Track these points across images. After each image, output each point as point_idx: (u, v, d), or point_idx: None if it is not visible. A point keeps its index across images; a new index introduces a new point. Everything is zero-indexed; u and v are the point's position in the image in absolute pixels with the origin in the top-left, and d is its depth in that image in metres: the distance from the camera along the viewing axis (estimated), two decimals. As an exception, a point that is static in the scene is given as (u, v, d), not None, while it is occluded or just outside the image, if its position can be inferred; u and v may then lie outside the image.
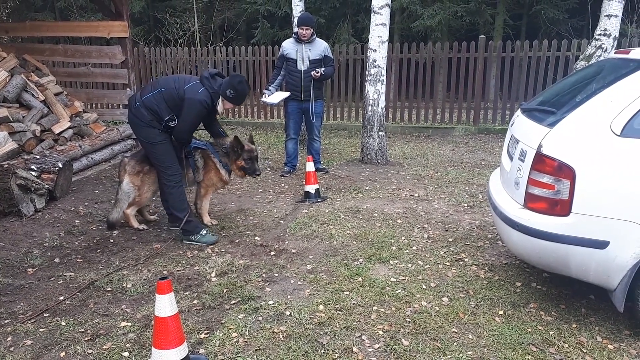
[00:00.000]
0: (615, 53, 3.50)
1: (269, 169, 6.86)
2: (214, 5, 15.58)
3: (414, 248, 4.12)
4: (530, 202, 2.94)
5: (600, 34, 5.61)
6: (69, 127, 6.69)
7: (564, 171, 2.74)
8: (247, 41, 15.77)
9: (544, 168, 2.84)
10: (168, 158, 4.17)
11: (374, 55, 6.79)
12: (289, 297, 3.29)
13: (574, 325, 2.97)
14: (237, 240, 4.30)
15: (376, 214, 4.91)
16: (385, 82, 6.96)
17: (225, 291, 3.34)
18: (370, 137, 7.00)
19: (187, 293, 3.35)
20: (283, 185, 6.12)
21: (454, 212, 5.09)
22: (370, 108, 6.94)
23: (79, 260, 3.89)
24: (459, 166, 7.04)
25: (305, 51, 6.12)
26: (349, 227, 4.57)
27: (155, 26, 15.75)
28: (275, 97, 6.26)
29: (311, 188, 5.44)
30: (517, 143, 3.24)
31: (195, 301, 3.23)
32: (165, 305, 2.33)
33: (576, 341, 2.81)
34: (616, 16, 5.56)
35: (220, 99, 4.12)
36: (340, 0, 14.66)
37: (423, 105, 10.08)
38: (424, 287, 3.43)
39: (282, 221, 4.81)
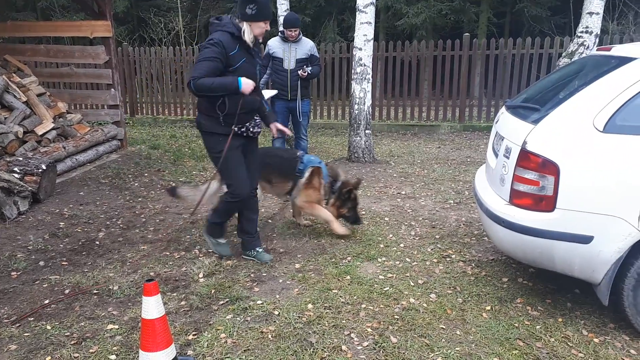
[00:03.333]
0: (597, 50, 3.55)
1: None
2: (199, 5, 15.48)
3: (402, 245, 4.14)
4: (516, 198, 2.97)
5: (582, 32, 5.69)
6: (53, 128, 6.59)
7: (548, 167, 2.77)
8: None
9: (529, 164, 2.87)
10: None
11: (359, 53, 6.80)
12: (277, 296, 3.28)
13: (560, 320, 3.00)
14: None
15: (364, 212, 4.92)
16: (371, 81, 6.98)
17: (213, 292, 3.33)
18: (357, 135, 7.01)
19: (175, 294, 3.32)
20: (270, 184, 6.10)
21: (440, 209, 5.12)
22: (356, 106, 6.96)
23: (64, 263, 3.84)
24: (445, 163, 7.08)
25: (291, 50, 6.10)
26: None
27: (139, 26, 15.62)
28: (263, 94, 6.24)
29: (299, 187, 5.43)
30: (502, 140, 3.26)
31: (183, 302, 3.21)
32: (152, 307, 2.31)
33: (562, 335, 2.84)
34: (597, 14, 5.64)
35: (243, 26, 3.34)
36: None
37: (409, 103, 10.14)
38: (412, 284, 3.45)
39: (270, 220, 4.80)
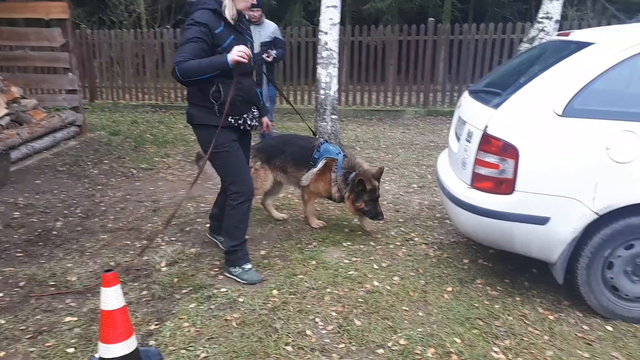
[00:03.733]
0: (557, 35, 3.61)
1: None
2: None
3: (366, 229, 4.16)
4: (477, 181, 3.01)
5: (542, 17, 5.79)
6: (6, 114, 6.31)
7: (509, 151, 2.82)
8: (196, 23, 15.28)
9: (490, 148, 2.91)
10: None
11: (325, 38, 6.74)
12: (242, 284, 3.25)
13: (518, 299, 3.09)
14: (188, 229, 4.20)
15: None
16: (337, 65, 6.93)
17: (175, 281, 3.27)
18: (323, 120, 6.98)
19: (136, 284, 3.25)
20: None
21: (404, 193, 5.17)
22: (322, 91, 6.91)
23: (18, 254, 3.70)
24: (409, 148, 7.15)
25: (255, 33, 5.94)
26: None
27: (98, 7, 15.02)
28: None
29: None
30: (464, 124, 3.30)
31: (145, 292, 3.15)
32: (111, 298, 2.25)
33: (520, 313, 2.93)
34: (557, 0, 5.76)
35: (225, 1, 2.97)
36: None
37: (375, 89, 10.15)
38: (376, 267, 3.48)
39: (234, 207, 4.74)
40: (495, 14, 12.48)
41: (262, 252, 3.73)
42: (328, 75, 6.84)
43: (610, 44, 2.80)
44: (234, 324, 2.79)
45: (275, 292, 3.13)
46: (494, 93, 3.15)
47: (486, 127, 2.92)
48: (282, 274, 3.37)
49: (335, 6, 6.67)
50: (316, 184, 4.01)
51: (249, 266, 3.32)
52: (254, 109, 3.28)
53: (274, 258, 3.63)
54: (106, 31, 11.00)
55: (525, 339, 2.69)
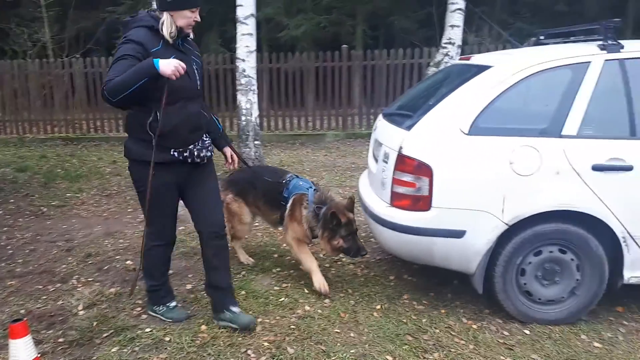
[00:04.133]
0: (459, 59, 3.89)
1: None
2: (67, 14, 14.35)
3: (295, 254, 4.16)
4: (396, 200, 3.13)
5: (446, 43, 6.23)
6: None
7: (423, 169, 2.97)
8: (109, 51, 14.75)
9: (405, 168, 3.04)
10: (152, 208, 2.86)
11: (242, 65, 6.77)
12: (167, 321, 3.12)
13: (443, 311, 3.22)
14: (106, 267, 3.98)
15: (257, 224, 4.87)
16: (256, 92, 6.97)
17: (95, 324, 3.07)
18: (247, 146, 6.95)
19: (51, 332, 3.01)
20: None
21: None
22: (244, 118, 6.91)
23: None
24: (332, 170, 7.29)
25: None
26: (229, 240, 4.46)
27: (-2, 37, 14.06)
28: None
29: (186, 203, 5.23)
30: (381, 146, 3.43)
31: (61, 339, 2.92)
32: (21, 350, 2.08)
33: (445, 325, 3.05)
34: (458, 26, 6.22)
35: (163, 17, 2.65)
36: (206, 9, 14.41)
37: (295, 114, 10.30)
38: (307, 291, 3.48)
39: (156, 241, 4.56)
40: (403, 39, 13.16)
41: (188, 287, 3.61)
42: (248, 101, 6.85)
43: (506, 67, 3.06)
44: (161, 364, 2.66)
45: (203, 327, 3.03)
46: (405, 115, 3.32)
47: (400, 148, 3.06)
48: (210, 308, 3.26)
49: (251, 34, 6.74)
50: (292, 228, 3.53)
51: (173, 303, 3.16)
52: (205, 137, 2.89)
53: (201, 292, 3.51)
54: (8, 62, 10.31)
55: (452, 350, 2.79)
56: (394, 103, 4.11)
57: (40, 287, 3.64)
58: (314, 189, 3.56)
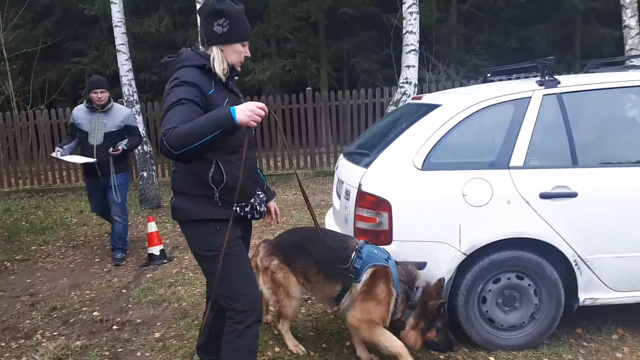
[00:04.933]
0: (412, 99, 4.08)
1: (106, 234, 6.39)
2: (32, 66, 14.34)
3: (264, 296, 4.16)
4: (359, 235, 3.21)
5: (403, 82, 6.52)
6: None
7: (382, 205, 3.07)
8: (74, 102, 14.75)
9: (366, 204, 3.15)
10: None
11: (208, 110, 6.87)
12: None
13: (411, 343, 3.26)
14: (72, 320, 3.89)
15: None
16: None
17: (59, 379, 3.00)
18: (214, 190, 6.98)
19: (12, 391, 2.93)
20: (124, 251, 5.75)
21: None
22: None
23: None
24: (302, 209, 7.35)
25: (100, 122, 5.05)
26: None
27: (-42, 90, 13.90)
28: (76, 158, 5.19)
29: (155, 249, 5.20)
30: (343, 184, 3.55)
31: (23, 398, 2.84)
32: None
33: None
34: (414, 66, 6.54)
35: (213, 53, 2.31)
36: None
37: (264, 154, 10.43)
38: (276, 332, 3.48)
39: (124, 290, 4.50)
40: (366, 80, 13.63)
41: (157, 335, 3.56)
42: (215, 146, 6.93)
43: (454, 104, 3.24)
44: (127, 417, 2.61)
45: (172, 374, 2.99)
46: (363, 154, 3.45)
47: (360, 185, 3.17)
48: (178, 355, 3.24)
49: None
50: (367, 307, 2.83)
51: None
52: (258, 191, 2.57)
53: (170, 339, 3.48)
54: (-31, 115, 10.19)
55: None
56: (353, 142, 4.26)
57: (3, 344, 3.53)
58: (395, 261, 2.93)
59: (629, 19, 7.14)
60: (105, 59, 14.28)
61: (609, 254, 3.00)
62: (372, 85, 10.64)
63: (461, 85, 7.30)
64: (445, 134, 3.13)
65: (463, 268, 3.06)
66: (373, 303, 2.82)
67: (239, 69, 2.39)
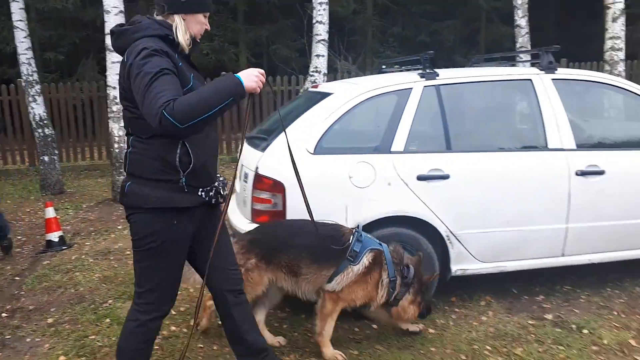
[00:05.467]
0: (311, 87, 4.27)
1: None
2: None
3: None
4: (256, 216, 3.36)
5: (313, 71, 6.71)
6: None
7: (277, 187, 3.23)
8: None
9: (262, 186, 3.29)
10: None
11: (113, 92, 6.67)
12: (24, 357, 3.02)
13: (303, 316, 3.45)
14: None
15: (128, 252, 4.82)
16: (130, 120, 6.89)
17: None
18: (120, 174, 6.81)
19: None
20: (19, 237, 5.50)
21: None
22: (117, 145, 6.78)
23: None
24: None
25: None
26: (97, 271, 4.39)
27: None
28: None
29: (53, 236, 5.04)
30: (242, 167, 3.66)
31: None
32: None
33: (304, 329, 3.30)
34: (323, 56, 6.74)
35: (176, 22, 2.15)
36: (80, 36, 13.87)
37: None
38: (174, 312, 3.54)
39: (17, 278, 4.33)
40: (284, 67, 13.70)
41: (50, 320, 3.49)
42: (121, 128, 6.74)
43: (344, 93, 3.46)
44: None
45: (62, 357, 2.98)
46: (262, 138, 3.59)
47: (257, 167, 3.31)
48: (71, 338, 3.22)
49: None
50: (354, 288, 2.91)
51: None
52: (218, 173, 2.41)
53: (63, 324, 3.43)
54: None
55: (307, 349, 3.05)
56: (255, 128, 4.38)
57: None
58: (387, 245, 3.02)
59: (520, 19, 7.80)
60: (5, 35, 13.21)
61: (476, 229, 3.37)
62: (290, 72, 10.74)
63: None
64: (336, 120, 3.33)
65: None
66: (364, 285, 2.91)
67: (198, 41, 2.25)
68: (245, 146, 3.83)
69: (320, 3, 6.64)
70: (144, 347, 2.33)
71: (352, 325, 3.34)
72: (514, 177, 3.40)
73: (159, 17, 2.19)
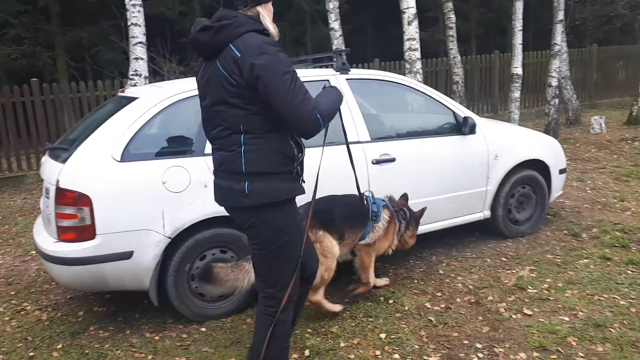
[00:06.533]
0: (119, 92, 4.09)
1: None
2: None
3: (-35, 315, 3.70)
4: (62, 234, 3.13)
5: (133, 74, 6.40)
6: None
7: (82, 200, 3.05)
8: None
9: (65, 201, 3.07)
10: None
11: None
12: None
13: (128, 332, 3.33)
14: None
15: None
16: None
17: None
18: None
19: None
20: None
21: (20, 262, 4.82)
22: None
23: None
24: (31, 214, 6.64)
25: None
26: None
27: None
28: None
29: None
30: (44, 182, 3.37)
31: None
32: None
33: (128, 344, 3.17)
34: (142, 58, 6.46)
35: (262, 14, 2.18)
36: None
37: (-16, 157, 8.98)
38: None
39: None
40: (111, 71, 12.83)
41: None
42: None
43: (149, 97, 3.39)
44: None
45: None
46: (62, 149, 3.35)
47: (58, 181, 3.08)
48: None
49: None
50: (382, 240, 3.57)
51: None
52: None
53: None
54: None
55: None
56: (59, 138, 4.06)
57: None
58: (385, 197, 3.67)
59: (333, 22, 8.37)
60: None
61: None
62: (119, 76, 10.04)
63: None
64: (143, 125, 3.26)
65: (170, 251, 3.25)
66: (387, 235, 3.55)
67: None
68: (47, 158, 3.55)
69: (134, 5, 6.35)
70: (287, 345, 2.44)
71: (180, 333, 3.30)
72: (323, 170, 3.64)
73: (242, 8, 2.18)
